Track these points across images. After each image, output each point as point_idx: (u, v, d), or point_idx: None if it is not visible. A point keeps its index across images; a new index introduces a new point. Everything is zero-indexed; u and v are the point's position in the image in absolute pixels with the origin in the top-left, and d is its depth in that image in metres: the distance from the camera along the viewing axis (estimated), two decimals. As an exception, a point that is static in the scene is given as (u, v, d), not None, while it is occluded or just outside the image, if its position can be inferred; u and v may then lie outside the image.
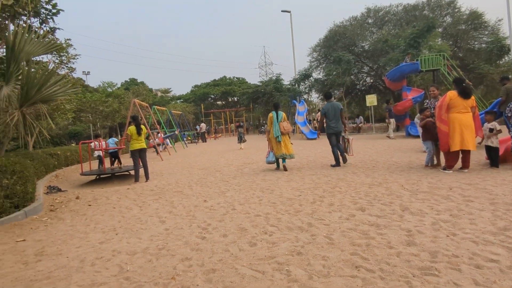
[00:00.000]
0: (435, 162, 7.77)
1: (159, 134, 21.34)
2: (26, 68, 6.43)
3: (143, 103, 19.78)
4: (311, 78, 31.93)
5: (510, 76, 10.45)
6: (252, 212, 5.13)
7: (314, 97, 36.04)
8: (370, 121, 25.55)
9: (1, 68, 8.16)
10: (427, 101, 8.01)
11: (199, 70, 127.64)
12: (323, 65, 32.01)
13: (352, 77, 29.14)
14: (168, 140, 22.49)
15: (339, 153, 9.01)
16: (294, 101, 27.22)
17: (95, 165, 13.43)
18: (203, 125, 33.38)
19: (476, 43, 28.77)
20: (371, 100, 22.36)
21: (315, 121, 26.61)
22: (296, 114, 24.88)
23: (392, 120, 17.74)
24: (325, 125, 9.18)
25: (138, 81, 55.81)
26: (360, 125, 25.47)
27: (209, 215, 5.19)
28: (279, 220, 4.57)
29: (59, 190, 8.70)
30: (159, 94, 58.73)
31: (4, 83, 6.52)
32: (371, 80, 32.79)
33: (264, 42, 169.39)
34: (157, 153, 17.37)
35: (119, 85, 52.78)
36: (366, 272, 2.87)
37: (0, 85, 6.60)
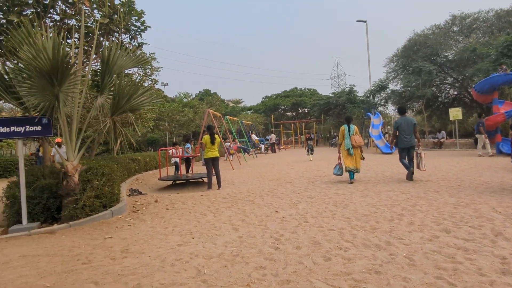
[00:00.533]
0: None
1: (232, 144, 22.11)
2: (118, 80, 7.10)
3: (216, 113, 20.63)
4: (388, 89, 30.73)
5: None
6: (325, 226, 5.07)
7: (391, 109, 34.62)
8: (454, 136, 23.79)
9: (96, 80, 9.09)
10: None
11: (270, 81, 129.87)
12: (401, 76, 30.62)
13: (433, 88, 27.40)
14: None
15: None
16: (369, 113, 26.35)
17: (171, 171, 14.26)
18: (272, 135, 33.72)
19: None
20: (455, 113, 20.86)
21: (387, 135, 25.59)
22: (371, 127, 24.04)
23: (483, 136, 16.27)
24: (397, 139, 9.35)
25: (211, 91, 58.41)
26: (442, 140, 23.81)
27: (282, 226, 5.23)
28: (354, 236, 4.45)
29: (140, 193, 9.39)
30: (231, 104, 60.81)
31: (99, 93, 7.26)
32: (455, 92, 30.57)
33: (337, 52, 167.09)
34: (228, 154, 18.33)
35: (194, 96, 55.77)
36: (454, 299, 2.68)
37: (95, 96, 7.36)
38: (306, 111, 52.37)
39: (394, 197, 6.89)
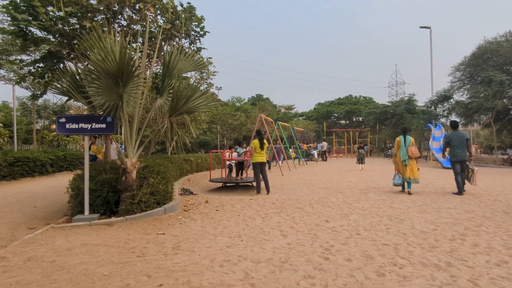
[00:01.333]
0: None
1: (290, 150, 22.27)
2: (177, 83, 7.40)
3: (268, 118, 20.77)
4: (452, 100, 29.12)
5: None
6: (379, 240, 4.89)
7: (454, 121, 32.68)
8: (526, 153, 21.97)
9: (156, 83, 9.53)
10: None
11: (323, 88, 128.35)
12: (468, 86, 28.93)
13: (504, 100, 25.52)
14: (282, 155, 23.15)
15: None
16: (430, 124, 25.11)
17: (221, 173, 14.54)
18: (324, 143, 33.26)
19: None
20: (529, 128, 19.26)
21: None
22: (431, 139, 22.87)
23: None
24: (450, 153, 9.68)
25: (264, 97, 58.89)
26: (512, 157, 22.11)
27: (332, 236, 5.13)
28: (410, 253, 4.25)
29: (191, 193, 9.68)
30: (283, 110, 60.85)
31: (158, 95, 7.62)
32: (531, 105, 28.25)
33: (396, 60, 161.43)
34: (278, 161, 18.42)
35: (246, 100, 56.59)
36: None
37: (155, 97, 7.72)
38: (361, 120, 51.10)
39: (456, 215, 6.50)
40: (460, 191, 9.12)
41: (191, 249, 4.53)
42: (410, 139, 9.73)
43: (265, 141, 10.21)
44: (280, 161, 21.40)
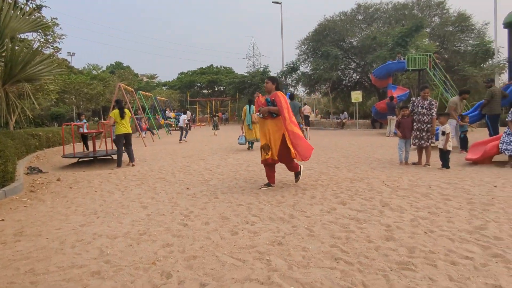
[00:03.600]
0: (417, 160, 7.94)
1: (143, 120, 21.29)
2: (11, 45, 6.23)
3: (128, 87, 19.45)
4: (299, 71, 31.95)
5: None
6: (234, 201, 5.15)
7: (301, 90, 36.14)
8: (354, 117, 25.80)
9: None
10: (414, 99, 8.05)
11: (186, 57, 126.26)
12: (311, 59, 32.04)
13: (339, 72, 29.22)
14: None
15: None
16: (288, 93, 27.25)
17: (79, 147, 13.19)
18: (188, 113, 33.08)
19: (462, 45, 29.15)
20: (356, 96, 22.54)
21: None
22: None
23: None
24: None
25: (124, 65, 54.85)
26: (344, 120, 25.70)
27: (192, 202, 5.19)
28: (261, 210, 4.60)
29: (40, 171, 8.54)
30: (145, 79, 57.87)
31: (-15, 59, 6.32)
32: (357, 77, 32.97)
33: (253, 32, 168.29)
34: (140, 132, 17.84)
35: (104, 68, 51.80)
36: (345, 264, 2.92)
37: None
38: (222, 89, 52.20)
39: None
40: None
41: (37, 233, 4.01)
42: (254, 107, 10.53)
43: (126, 110, 9.54)
44: (144, 132, 20.52)
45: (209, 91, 54.11)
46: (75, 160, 10.86)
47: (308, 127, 13.57)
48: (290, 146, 5.73)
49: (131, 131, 9.67)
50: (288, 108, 5.73)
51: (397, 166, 7.78)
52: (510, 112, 7.42)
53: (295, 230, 3.80)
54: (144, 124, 21.90)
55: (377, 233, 3.62)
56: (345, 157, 9.55)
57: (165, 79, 66.91)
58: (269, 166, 6.02)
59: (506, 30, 12.41)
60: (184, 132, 17.46)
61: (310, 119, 29.37)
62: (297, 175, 6.20)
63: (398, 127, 8.00)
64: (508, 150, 7.18)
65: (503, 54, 23.12)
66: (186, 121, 31.81)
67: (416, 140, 7.72)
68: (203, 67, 56.14)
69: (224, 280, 2.72)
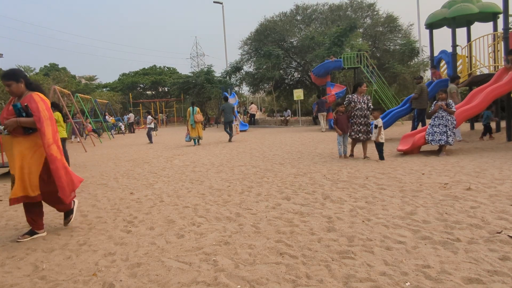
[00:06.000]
0: (349, 153, 8.31)
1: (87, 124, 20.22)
2: None
3: (64, 90, 18.30)
4: (242, 71, 32.09)
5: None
6: (180, 203, 5.03)
7: (245, 89, 36.33)
8: (297, 114, 26.46)
9: None
10: (350, 96, 8.34)
11: (128, 58, 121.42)
12: (254, 58, 32.31)
13: (281, 71, 29.80)
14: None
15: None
16: (226, 93, 27.16)
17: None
18: (131, 115, 31.88)
19: (391, 44, 31.10)
20: (298, 94, 23.10)
21: (248, 114, 27.56)
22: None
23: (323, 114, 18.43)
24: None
25: (60, 66, 51.42)
26: (287, 118, 26.26)
27: (136, 208, 4.99)
28: (207, 211, 4.54)
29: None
30: (83, 81, 54.69)
31: None
32: (299, 75, 33.85)
33: (197, 32, 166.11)
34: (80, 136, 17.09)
35: (37, 70, 48.17)
36: (290, 258, 2.97)
37: None
38: (166, 90, 50.90)
39: (246, 171, 7.30)
40: (230, 139, 14.61)
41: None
42: (197, 109, 13.55)
43: (58, 113, 8.91)
44: (84, 137, 19.43)
45: (153, 92, 52.48)
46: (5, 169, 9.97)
47: (236, 122, 17.86)
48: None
49: (66, 136, 9.12)
50: (51, 118, 3.83)
51: (337, 159, 8.09)
52: (434, 102, 8.04)
53: (242, 228, 3.80)
54: (89, 125, 20.79)
55: (320, 225, 3.72)
56: (289, 153, 9.75)
57: (106, 80, 63.95)
58: (29, 208, 3.85)
59: (427, 31, 13.34)
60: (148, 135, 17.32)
61: (256, 117, 29.68)
62: (68, 214, 4.23)
63: (336, 124, 8.29)
64: (434, 140, 7.76)
65: (426, 52, 24.97)
66: (127, 123, 30.76)
67: (354, 133, 8.05)
68: (146, 67, 54.32)
69: (170, 285, 2.64)
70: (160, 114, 39.48)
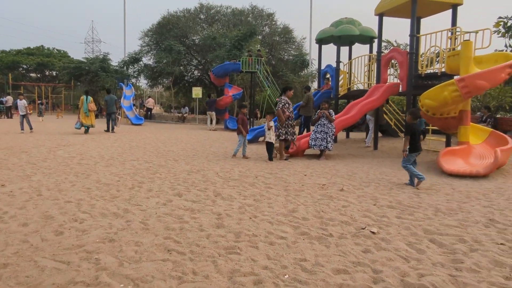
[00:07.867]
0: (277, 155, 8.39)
1: None
2: None
3: None
4: (141, 62, 30.48)
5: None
6: (62, 198, 4.55)
7: (143, 82, 34.54)
8: (195, 112, 26.22)
9: None
10: (284, 98, 8.31)
11: (9, 33, 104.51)
12: (154, 51, 30.96)
13: (181, 67, 29.09)
14: None
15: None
16: (122, 84, 25.45)
17: None
18: (9, 97, 27.64)
19: (285, 54, 32.97)
20: (197, 92, 22.88)
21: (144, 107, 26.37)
22: (122, 97, 23.28)
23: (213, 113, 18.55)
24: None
25: None
26: (185, 115, 25.85)
27: (7, 201, 4.35)
28: (92, 207, 4.20)
29: None
30: None
31: None
32: (199, 74, 33.51)
33: (94, 17, 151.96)
34: None
35: None
36: (178, 255, 2.93)
37: None
38: (55, 75, 45.39)
39: (138, 166, 6.96)
40: (111, 129, 14.85)
41: None
42: (90, 98, 13.96)
43: None
44: None
45: (38, 75, 46.27)
46: None
47: (120, 117, 18.93)
48: None
49: None
50: None
51: (230, 158, 8.27)
52: (317, 112, 8.81)
53: (129, 225, 3.61)
54: None
55: (209, 222, 3.75)
56: (184, 150, 9.61)
57: (-23, 56, 54.17)
58: None
59: (317, 46, 14.51)
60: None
61: (152, 112, 28.48)
62: None
63: (241, 124, 8.31)
64: (316, 145, 8.49)
65: (314, 65, 27.14)
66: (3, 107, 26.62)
67: (289, 135, 8.21)
68: (31, 47, 47.66)
69: (43, 287, 2.37)
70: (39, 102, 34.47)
